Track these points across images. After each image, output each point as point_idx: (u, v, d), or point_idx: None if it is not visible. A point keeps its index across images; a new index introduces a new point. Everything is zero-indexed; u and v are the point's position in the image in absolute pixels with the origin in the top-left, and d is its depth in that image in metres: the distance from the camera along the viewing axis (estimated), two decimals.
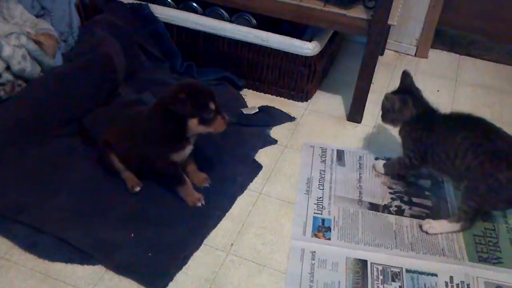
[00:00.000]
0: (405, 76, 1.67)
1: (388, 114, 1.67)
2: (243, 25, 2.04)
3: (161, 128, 1.48)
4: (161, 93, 1.52)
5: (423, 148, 1.60)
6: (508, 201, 1.51)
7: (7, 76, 1.78)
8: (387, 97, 1.64)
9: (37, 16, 2.09)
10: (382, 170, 1.77)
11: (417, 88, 1.67)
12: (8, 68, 1.78)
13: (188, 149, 1.54)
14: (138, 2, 2.09)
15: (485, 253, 1.51)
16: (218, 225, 1.54)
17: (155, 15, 2.08)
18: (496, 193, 1.47)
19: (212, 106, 1.44)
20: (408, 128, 1.65)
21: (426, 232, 1.57)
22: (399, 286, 1.40)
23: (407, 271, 1.44)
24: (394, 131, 1.95)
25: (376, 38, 1.83)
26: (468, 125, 1.54)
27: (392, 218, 1.60)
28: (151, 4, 2.09)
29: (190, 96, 1.41)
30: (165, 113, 1.44)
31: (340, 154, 1.84)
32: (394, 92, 1.67)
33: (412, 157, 1.64)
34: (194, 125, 1.45)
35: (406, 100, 1.62)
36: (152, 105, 1.55)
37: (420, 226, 1.58)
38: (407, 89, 1.66)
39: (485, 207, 1.56)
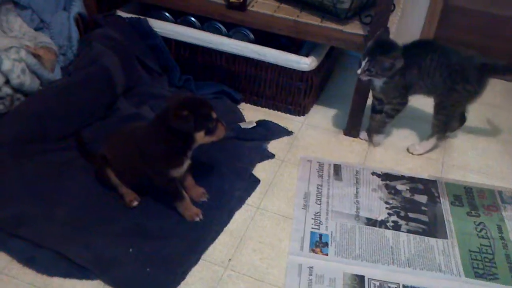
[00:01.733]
0: (383, 33, 1.76)
1: (383, 73, 1.75)
2: (241, 40, 2.06)
3: (163, 146, 1.48)
4: (159, 111, 1.53)
5: (405, 84, 1.83)
6: (466, 104, 1.90)
7: (6, 90, 1.78)
8: (383, 60, 1.71)
9: (35, 29, 2.11)
10: (380, 141, 1.99)
11: (392, 40, 1.79)
12: (7, 82, 1.79)
13: (186, 164, 1.55)
14: (137, 16, 2.11)
15: (481, 269, 1.52)
16: (216, 240, 1.55)
17: (154, 29, 2.09)
18: (458, 102, 1.84)
19: (214, 115, 1.49)
20: (395, 77, 1.79)
21: (412, 153, 1.95)
22: None
23: (404, 287, 1.45)
24: (390, 146, 1.97)
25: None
26: (430, 48, 1.80)
27: (389, 233, 1.61)
28: (150, 19, 2.10)
29: (193, 111, 1.43)
30: (169, 131, 1.45)
31: (337, 169, 1.85)
32: (381, 52, 1.72)
33: (397, 97, 1.86)
34: (200, 138, 1.48)
35: (401, 58, 1.73)
36: (150, 122, 1.55)
37: (407, 149, 1.96)
38: (389, 44, 1.76)
39: (451, 116, 1.90)
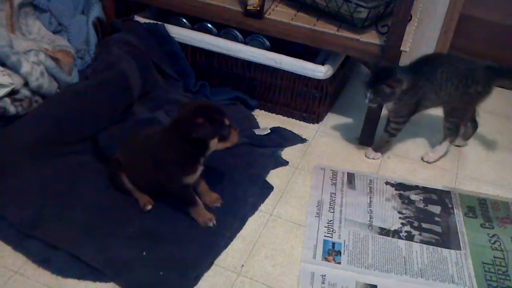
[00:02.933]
0: (369, 64, 1.82)
1: (389, 99, 1.81)
2: (257, 47, 2.07)
3: (177, 153, 1.50)
4: (173, 118, 1.55)
5: (417, 101, 1.85)
6: (477, 105, 1.94)
7: (24, 92, 1.80)
8: (382, 88, 1.77)
9: (54, 32, 2.13)
10: (378, 155, 1.98)
11: (388, 65, 1.82)
12: (26, 84, 1.81)
13: (200, 170, 1.55)
14: (154, 22, 2.12)
15: (494, 281, 1.51)
16: (229, 245, 1.55)
17: (171, 35, 2.11)
18: (470, 104, 1.89)
19: (227, 121, 1.49)
20: (404, 97, 1.82)
21: (427, 162, 1.97)
22: None
23: None
24: (404, 155, 1.97)
25: None
26: (438, 62, 1.85)
27: (402, 243, 1.61)
28: (167, 24, 2.12)
29: (207, 119, 1.44)
30: (183, 138, 1.46)
31: (350, 178, 1.85)
32: (381, 80, 1.76)
33: (405, 116, 1.89)
34: (214, 145, 1.49)
35: (401, 80, 1.77)
36: (164, 129, 1.56)
37: (422, 158, 1.99)
38: (385, 70, 1.79)
39: (463, 119, 1.94)
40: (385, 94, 1.77)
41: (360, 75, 2.47)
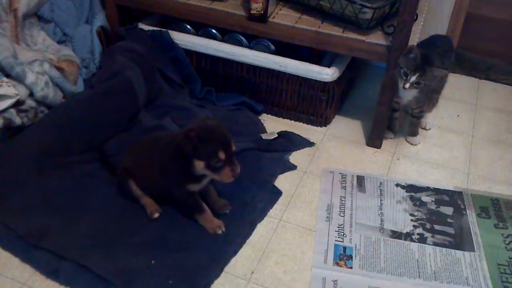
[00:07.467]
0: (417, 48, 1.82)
1: (431, 83, 1.87)
2: (262, 51, 2.06)
3: (174, 161, 1.48)
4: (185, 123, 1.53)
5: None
6: None
7: (30, 102, 1.80)
8: (434, 70, 1.81)
9: (58, 42, 2.13)
10: (417, 141, 2.05)
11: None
12: (31, 94, 1.81)
13: (206, 179, 1.53)
14: (159, 29, 2.12)
15: (510, 283, 1.48)
16: (239, 252, 1.53)
17: (175, 41, 2.10)
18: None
19: (222, 155, 1.39)
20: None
21: (427, 129, 2.13)
22: None
23: None
24: (414, 157, 1.95)
25: (396, 64, 1.83)
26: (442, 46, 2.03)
27: (414, 246, 1.58)
28: (171, 31, 2.11)
29: (200, 138, 1.39)
30: (176, 146, 1.44)
31: (360, 180, 1.83)
32: (429, 64, 1.81)
33: (424, 103, 1.99)
34: (199, 167, 1.43)
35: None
36: (172, 136, 1.54)
37: (424, 128, 2.13)
38: (431, 56, 1.84)
39: None
40: (434, 77, 1.83)
41: (368, 76, 2.46)
